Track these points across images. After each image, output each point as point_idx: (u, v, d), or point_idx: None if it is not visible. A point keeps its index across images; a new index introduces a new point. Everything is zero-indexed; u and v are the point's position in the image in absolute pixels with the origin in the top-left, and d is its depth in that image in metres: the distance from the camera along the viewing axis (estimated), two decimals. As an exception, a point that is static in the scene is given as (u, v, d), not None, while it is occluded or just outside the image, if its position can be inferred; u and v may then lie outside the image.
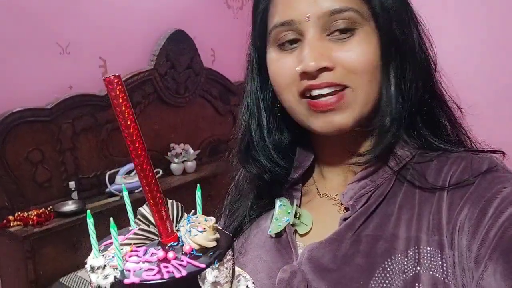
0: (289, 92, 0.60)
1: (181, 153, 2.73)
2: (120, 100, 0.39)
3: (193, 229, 0.43)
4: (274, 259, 0.63)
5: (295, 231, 0.65)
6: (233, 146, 0.72)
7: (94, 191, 2.38)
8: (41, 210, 2.06)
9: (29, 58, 2.19)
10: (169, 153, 2.74)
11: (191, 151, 2.79)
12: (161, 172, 2.58)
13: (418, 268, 0.53)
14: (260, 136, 0.67)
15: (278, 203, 0.67)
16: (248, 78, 0.69)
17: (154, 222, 0.44)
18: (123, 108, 0.39)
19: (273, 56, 0.61)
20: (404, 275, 0.53)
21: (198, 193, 0.49)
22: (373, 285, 0.53)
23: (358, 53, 0.56)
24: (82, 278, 1.96)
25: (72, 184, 2.26)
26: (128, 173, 2.41)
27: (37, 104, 2.17)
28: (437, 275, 0.52)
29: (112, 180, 2.35)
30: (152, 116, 2.68)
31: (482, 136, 0.65)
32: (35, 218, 2.00)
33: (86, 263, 0.42)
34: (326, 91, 0.57)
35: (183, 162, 2.74)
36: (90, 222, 0.42)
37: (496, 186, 0.53)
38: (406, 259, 0.54)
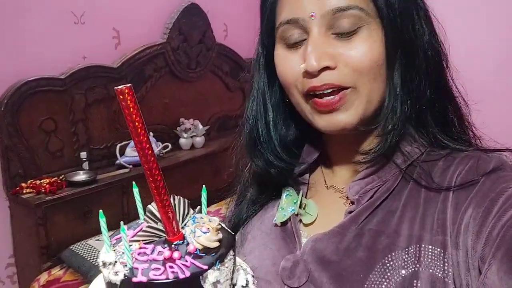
0: (295, 89, 0.61)
1: (190, 128, 2.75)
2: (131, 110, 0.40)
3: (198, 229, 0.45)
4: (279, 247, 0.64)
5: (300, 221, 0.66)
6: (238, 140, 0.72)
7: (104, 162, 2.42)
8: (53, 179, 2.10)
9: (43, 27, 2.18)
10: (178, 128, 2.75)
11: (200, 126, 2.80)
12: (170, 147, 2.61)
13: (418, 265, 0.53)
14: (267, 132, 0.68)
15: (284, 193, 0.69)
16: (255, 73, 0.69)
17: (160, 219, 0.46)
18: (134, 117, 0.40)
19: (280, 53, 0.61)
20: (403, 271, 0.53)
21: (204, 194, 0.50)
22: (372, 279, 0.54)
23: (362, 51, 0.56)
24: (91, 246, 2.01)
25: (83, 154, 2.29)
26: (138, 146, 2.44)
27: (50, 73, 2.18)
28: (436, 273, 0.52)
29: (122, 152, 2.38)
30: (163, 90, 2.69)
31: (491, 133, 0.65)
32: (47, 186, 2.04)
33: (98, 257, 0.45)
34: (328, 91, 0.57)
35: (191, 137, 2.76)
36: (102, 221, 0.45)
37: (500, 185, 0.53)
38: (406, 256, 0.54)
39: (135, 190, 0.49)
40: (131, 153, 2.38)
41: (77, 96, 2.27)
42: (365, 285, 0.55)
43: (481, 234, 0.51)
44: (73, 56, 2.29)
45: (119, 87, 0.39)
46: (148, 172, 0.42)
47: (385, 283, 0.54)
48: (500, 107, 2.09)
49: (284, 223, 0.66)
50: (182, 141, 2.73)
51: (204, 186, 0.50)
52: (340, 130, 0.59)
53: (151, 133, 2.54)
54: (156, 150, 2.48)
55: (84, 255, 1.96)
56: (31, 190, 2.04)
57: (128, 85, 0.39)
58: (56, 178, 2.12)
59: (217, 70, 3.03)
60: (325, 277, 0.57)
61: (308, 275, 0.59)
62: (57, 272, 1.99)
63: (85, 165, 2.29)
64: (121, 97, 0.39)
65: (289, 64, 0.60)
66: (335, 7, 0.55)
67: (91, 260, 1.92)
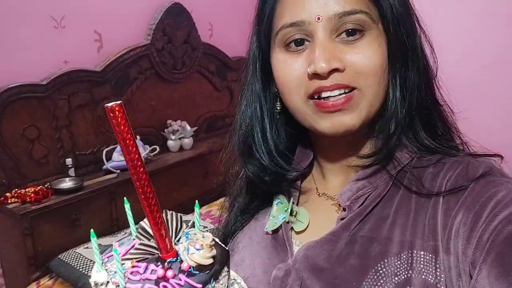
0: (297, 94, 0.60)
1: (178, 130, 2.72)
2: (122, 127, 0.39)
3: (191, 246, 0.45)
4: (270, 255, 0.64)
5: (291, 229, 0.66)
6: (228, 144, 0.72)
7: (91, 167, 2.38)
8: (38, 187, 2.05)
9: (22, 32, 2.13)
10: (165, 130, 2.72)
11: (188, 127, 2.77)
12: (158, 149, 2.58)
13: (410, 272, 0.53)
14: (262, 137, 0.67)
15: (275, 201, 0.69)
16: (250, 78, 0.68)
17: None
18: (125, 134, 0.40)
19: (280, 57, 0.61)
20: (396, 278, 0.54)
21: (196, 209, 0.50)
22: (365, 287, 0.54)
23: (368, 55, 0.57)
24: (80, 254, 1.98)
25: (69, 160, 2.25)
26: (125, 150, 2.40)
27: (32, 80, 2.13)
28: (429, 279, 0.53)
29: (109, 157, 2.35)
30: (148, 92, 2.65)
31: (480, 140, 0.65)
32: (32, 195, 2.00)
33: (90, 277, 0.44)
34: (336, 93, 0.57)
35: (180, 139, 2.73)
36: (93, 240, 0.44)
37: (490, 190, 0.54)
38: (399, 263, 0.55)
39: (127, 206, 0.49)
40: (118, 158, 2.35)
41: (60, 102, 2.22)
42: None
43: (471, 239, 0.51)
44: (54, 61, 2.24)
45: (109, 104, 0.39)
46: (140, 190, 0.42)
47: None
48: (488, 113, 2.10)
49: (275, 231, 0.66)
50: (170, 143, 2.70)
51: (197, 201, 0.50)
52: (343, 132, 0.59)
53: (138, 137, 2.51)
54: (143, 153, 2.45)
55: (73, 264, 1.92)
56: (16, 199, 2.00)
57: (119, 102, 0.39)
58: (41, 186, 2.08)
59: (203, 70, 3.00)
60: (318, 286, 0.57)
61: (301, 284, 0.58)
62: (46, 282, 1.96)
63: (71, 171, 2.25)
64: (111, 114, 0.39)
65: (291, 68, 0.59)
66: (341, 11, 0.56)
67: (80, 269, 1.89)
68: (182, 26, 2.78)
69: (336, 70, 0.56)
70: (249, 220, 0.72)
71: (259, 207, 0.72)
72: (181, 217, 0.48)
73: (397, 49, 0.59)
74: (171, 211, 0.47)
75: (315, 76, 0.57)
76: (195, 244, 0.45)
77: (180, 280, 0.42)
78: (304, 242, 0.62)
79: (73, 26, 2.31)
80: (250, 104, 0.68)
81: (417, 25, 0.62)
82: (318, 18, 0.56)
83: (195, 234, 0.47)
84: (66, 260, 1.96)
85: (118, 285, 0.41)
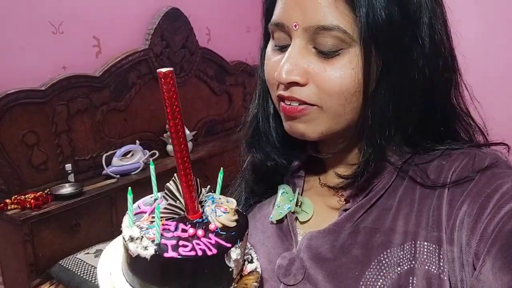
0: (272, 90, 0.61)
1: (177, 134, 2.71)
2: (171, 93, 0.41)
3: (218, 209, 0.48)
4: (274, 244, 0.64)
5: (296, 219, 0.66)
6: (242, 130, 0.73)
7: (90, 173, 2.37)
8: (38, 193, 2.04)
9: (20, 38, 2.13)
10: (165, 134, 2.72)
11: (187, 132, 2.77)
12: (157, 154, 2.57)
13: (414, 262, 0.53)
14: (267, 124, 0.68)
15: (280, 190, 0.68)
16: (259, 66, 0.69)
17: (179, 198, 0.49)
18: (173, 100, 0.42)
19: (268, 51, 0.61)
20: (399, 268, 0.53)
21: (220, 175, 0.54)
22: (368, 277, 0.54)
23: (336, 76, 0.53)
24: (81, 260, 1.97)
25: (68, 166, 2.24)
26: (125, 155, 2.40)
27: (30, 85, 2.13)
28: (432, 270, 0.52)
29: (108, 162, 2.34)
30: (147, 97, 2.65)
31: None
32: (32, 201, 1.99)
33: (121, 231, 0.47)
34: (295, 103, 0.57)
35: (179, 143, 2.72)
36: (130, 197, 0.48)
37: (496, 182, 0.53)
38: (402, 253, 0.54)
39: (152, 167, 0.53)
40: (117, 163, 2.34)
41: (59, 108, 2.22)
42: (361, 282, 0.54)
43: (476, 230, 0.51)
44: (53, 66, 2.24)
45: (163, 70, 0.41)
46: (179, 154, 0.45)
47: (381, 280, 0.54)
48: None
49: (280, 221, 0.66)
50: (169, 147, 2.70)
51: (221, 168, 0.54)
52: (300, 137, 0.60)
53: (137, 141, 2.51)
54: (143, 158, 2.44)
55: (74, 270, 1.91)
56: (16, 206, 1.99)
57: (171, 68, 0.41)
58: (41, 192, 2.07)
59: (202, 74, 3.01)
60: (321, 275, 0.57)
61: (304, 273, 0.58)
62: (46, 288, 1.94)
63: (71, 177, 2.24)
64: (163, 80, 0.41)
65: (272, 65, 0.59)
66: (318, 25, 0.53)
67: (81, 275, 1.88)
68: (180, 31, 2.78)
69: (296, 83, 0.55)
70: (252, 208, 0.72)
71: (262, 197, 0.72)
72: (200, 182, 0.51)
73: (382, 70, 0.54)
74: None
75: (278, 82, 0.58)
76: (220, 207, 0.48)
77: (210, 238, 0.45)
78: (308, 232, 0.62)
79: (71, 32, 2.31)
80: (259, 91, 0.69)
81: (420, 38, 0.56)
82: (295, 26, 0.55)
83: (219, 198, 0.51)
84: (66, 266, 1.94)
85: (153, 240, 0.44)
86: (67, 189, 2.16)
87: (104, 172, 2.31)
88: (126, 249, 0.45)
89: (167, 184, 0.49)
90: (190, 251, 0.43)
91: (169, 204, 0.48)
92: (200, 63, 2.95)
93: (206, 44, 3.05)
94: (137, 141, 2.50)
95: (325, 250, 0.59)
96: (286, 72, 0.55)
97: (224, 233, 0.46)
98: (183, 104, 2.86)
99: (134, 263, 0.44)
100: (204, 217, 0.48)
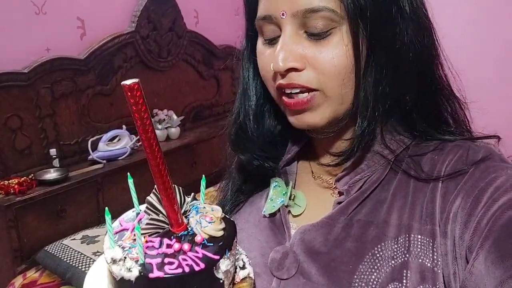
0: (271, 86, 0.60)
1: (164, 119, 2.68)
2: (140, 106, 0.39)
3: (203, 220, 0.46)
4: (267, 238, 0.64)
5: (289, 212, 0.66)
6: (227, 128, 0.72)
7: (76, 158, 2.33)
8: (22, 179, 2.00)
9: (2, 18, 2.05)
10: (152, 119, 2.68)
11: (175, 117, 2.74)
12: (144, 139, 2.54)
13: (408, 255, 0.53)
14: (250, 123, 0.67)
15: (273, 183, 0.68)
16: (242, 65, 0.69)
17: (162, 211, 0.46)
18: (142, 114, 0.40)
19: (260, 48, 0.61)
20: (393, 262, 0.54)
21: (203, 183, 0.51)
22: (362, 270, 0.54)
23: (331, 56, 0.54)
24: (67, 246, 1.94)
25: (53, 151, 2.19)
26: (111, 140, 2.36)
27: (12, 68, 2.06)
28: (426, 263, 0.53)
29: (94, 147, 2.30)
30: (134, 80, 2.60)
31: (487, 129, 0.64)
32: (16, 186, 1.95)
33: (103, 253, 0.45)
34: (296, 90, 0.57)
35: (166, 128, 2.70)
36: (108, 218, 0.45)
37: (489, 176, 0.53)
38: (396, 246, 0.54)
39: (130, 181, 0.49)
40: (104, 148, 2.30)
41: (42, 91, 2.16)
42: (355, 276, 0.54)
43: (469, 224, 0.51)
44: (35, 48, 2.18)
45: (127, 82, 0.38)
46: (155, 168, 0.43)
47: (375, 274, 0.54)
48: (500, 106, 2.08)
49: (272, 214, 0.65)
50: (156, 132, 2.66)
51: (203, 176, 0.52)
52: (307, 128, 0.60)
53: (124, 126, 2.47)
54: (130, 143, 2.41)
55: (60, 256, 1.89)
56: (0, 191, 1.95)
57: (136, 80, 0.39)
58: (25, 177, 2.03)
59: (190, 58, 2.96)
60: (314, 268, 0.57)
61: (298, 267, 0.58)
62: (32, 274, 1.91)
63: (56, 162, 2.20)
64: (129, 93, 0.38)
65: (266, 60, 0.59)
66: (306, 8, 0.53)
67: (67, 260, 1.85)
68: (167, 14, 2.72)
69: (294, 69, 0.55)
70: (244, 202, 0.72)
71: (253, 190, 0.72)
72: (183, 190, 0.49)
73: (370, 46, 0.55)
74: (173, 185, 0.47)
75: (275, 73, 0.57)
76: (205, 217, 0.46)
77: (197, 252, 0.43)
78: (301, 225, 0.62)
79: (55, 12, 2.24)
80: (242, 90, 0.69)
81: (412, 15, 0.57)
82: (283, 14, 0.55)
83: (204, 207, 0.48)
84: (52, 252, 1.92)
85: (137, 261, 0.42)
86: (52, 174, 2.12)
87: (90, 157, 2.27)
88: (110, 272, 0.43)
89: (148, 197, 0.47)
90: (176, 268, 0.40)
91: (152, 219, 0.46)
92: (187, 47, 2.91)
93: (194, 27, 3.00)
94: (124, 126, 2.46)
95: (319, 244, 0.58)
96: (282, 60, 0.55)
97: (212, 244, 0.44)
98: (171, 88, 2.84)
99: (120, 286, 0.42)
100: (189, 228, 0.46)
